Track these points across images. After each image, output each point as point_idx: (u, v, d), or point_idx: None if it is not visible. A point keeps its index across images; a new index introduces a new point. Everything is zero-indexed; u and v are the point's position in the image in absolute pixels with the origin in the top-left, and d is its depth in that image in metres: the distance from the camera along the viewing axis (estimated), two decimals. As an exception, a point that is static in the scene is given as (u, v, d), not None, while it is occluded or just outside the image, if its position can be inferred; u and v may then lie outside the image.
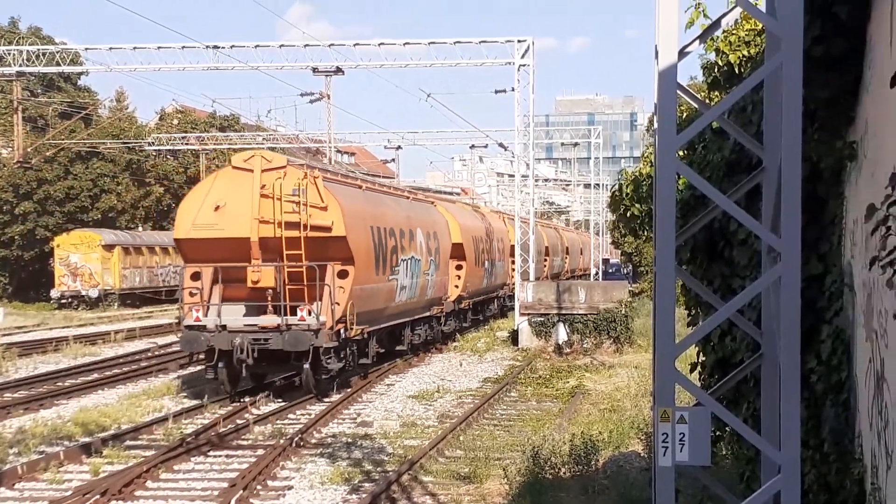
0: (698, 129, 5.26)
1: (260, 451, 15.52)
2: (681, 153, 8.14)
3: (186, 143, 58.98)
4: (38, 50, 39.75)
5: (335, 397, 20.84)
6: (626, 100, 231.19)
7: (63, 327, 39.79)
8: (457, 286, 33.27)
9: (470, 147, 60.71)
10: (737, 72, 8.16)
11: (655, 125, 5.23)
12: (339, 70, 37.90)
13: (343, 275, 20.92)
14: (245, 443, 16.63)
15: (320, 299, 20.27)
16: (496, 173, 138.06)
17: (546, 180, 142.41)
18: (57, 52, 39.69)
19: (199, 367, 22.41)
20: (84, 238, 51.12)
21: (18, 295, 55.54)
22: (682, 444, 5.10)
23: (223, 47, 35.61)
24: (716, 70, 8.42)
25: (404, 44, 35.82)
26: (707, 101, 8.24)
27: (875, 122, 5.83)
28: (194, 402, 20.25)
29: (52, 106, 58.44)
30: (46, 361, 28.08)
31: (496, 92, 39.16)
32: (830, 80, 6.33)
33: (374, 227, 23.36)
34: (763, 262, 5.95)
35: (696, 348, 8.35)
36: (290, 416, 19.25)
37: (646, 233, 11.71)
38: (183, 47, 35.63)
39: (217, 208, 20.63)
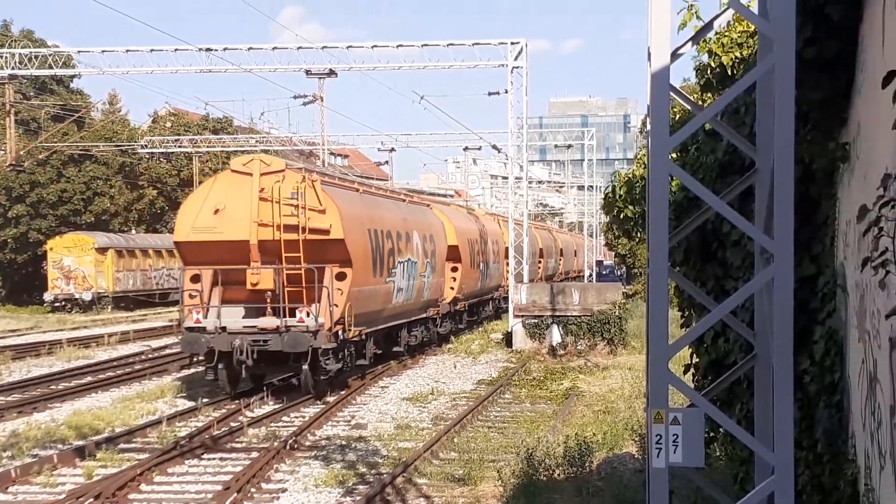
0: (691, 131, 5.26)
1: (254, 454, 15.51)
2: (674, 155, 8.16)
3: (179, 146, 58.83)
4: (31, 53, 39.65)
5: (330, 399, 20.89)
6: (620, 102, 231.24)
7: (56, 330, 39.70)
8: (452, 288, 33.35)
9: (463, 149, 60.63)
10: (729, 73, 8.17)
11: (648, 127, 5.23)
12: (332, 72, 37.78)
13: (341, 277, 21.07)
14: (239, 445, 16.63)
15: (319, 301, 20.37)
16: (490, 175, 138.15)
17: (540, 182, 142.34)
18: (49, 55, 39.57)
19: (194, 370, 22.40)
20: (77, 241, 50.99)
21: (11, 298, 55.47)
22: (676, 446, 5.09)
23: (216, 50, 35.55)
24: (708, 72, 8.43)
25: (397, 46, 35.77)
26: (700, 102, 8.24)
27: (867, 124, 5.84)
28: (188, 405, 20.25)
29: (44, 109, 58.28)
30: (40, 365, 28.02)
31: (489, 94, 39.18)
32: (823, 82, 6.33)
33: (372, 229, 23.44)
34: (756, 263, 5.96)
35: (690, 350, 8.37)
36: (285, 418, 19.26)
37: (639, 234, 11.74)
38: (176, 50, 35.58)
39: (216, 211, 20.76)
